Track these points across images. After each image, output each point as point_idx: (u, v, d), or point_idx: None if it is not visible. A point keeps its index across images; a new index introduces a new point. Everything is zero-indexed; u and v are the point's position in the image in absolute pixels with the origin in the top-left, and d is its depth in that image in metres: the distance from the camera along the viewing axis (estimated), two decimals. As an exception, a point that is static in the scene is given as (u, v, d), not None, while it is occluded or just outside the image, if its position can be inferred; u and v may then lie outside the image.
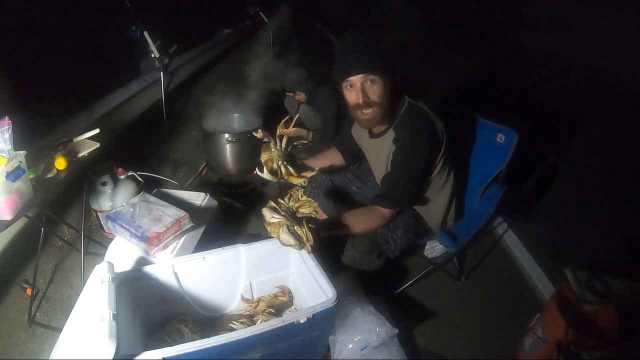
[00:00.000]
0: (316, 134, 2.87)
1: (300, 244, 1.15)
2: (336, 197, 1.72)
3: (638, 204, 2.54)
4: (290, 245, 1.15)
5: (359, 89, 1.29)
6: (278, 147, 1.34)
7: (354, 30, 1.35)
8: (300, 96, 2.80)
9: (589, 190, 2.75)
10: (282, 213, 1.19)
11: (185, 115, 3.42)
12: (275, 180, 1.32)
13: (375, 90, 1.29)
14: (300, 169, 1.39)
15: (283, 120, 1.39)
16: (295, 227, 1.15)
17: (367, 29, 1.34)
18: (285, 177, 1.34)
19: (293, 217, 1.19)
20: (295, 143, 1.47)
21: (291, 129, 1.39)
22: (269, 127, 2.07)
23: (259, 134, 1.35)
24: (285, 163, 1.34)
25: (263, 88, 2.33)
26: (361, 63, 1.27)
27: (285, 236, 1.14)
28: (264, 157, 1.37)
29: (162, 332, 1.29)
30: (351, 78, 1.29)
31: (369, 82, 1.28)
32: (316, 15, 6.60)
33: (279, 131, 1.38)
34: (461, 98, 3.91)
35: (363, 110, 1.32)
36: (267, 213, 1.20)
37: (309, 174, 1.33)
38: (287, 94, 2.97)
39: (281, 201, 1.26)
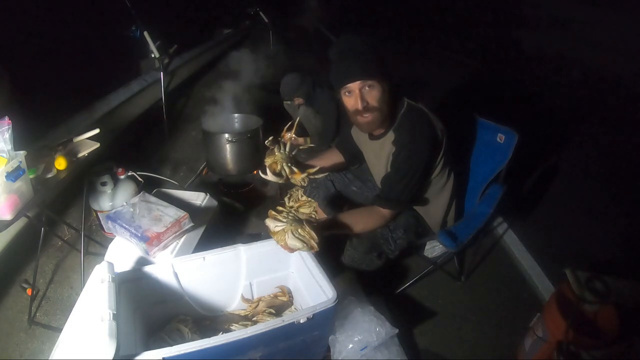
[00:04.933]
0: (314, 139, 2.86)
1: (307, 245, 1.17)
2: (336, 197, 1.72)
3: (638, 203, 2.55)
4: (298, 249, 1.17)
5: (358, 95, 1.28)
6: (282, 152, 1.36)
7: (348, 35, 1.33)
8: (299, 100, 2.79)
9: (589, 190, 2.75)
10: (284, 219, 1.21)
11: (185, 115, 3.42)
12: (279, 182, 1.34)
13: (374, 95, 1.28)
14: (303, 168, 1.40)
15: (286, 127, 1.41)
16: (299, 230, 1.17)
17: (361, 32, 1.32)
18: (290, 177, 1.35)
19: (295, 221, 1.20)
20: (300, 147, 1.49)
21: (292, 135, 1.40)
22: (269, 127, 2.08)
23: (268, 142, 1.37)
24: (289, 164, 1.36)
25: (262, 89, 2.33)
26: (358, 69, 1.25)
27: (292, 241, 1.16)
28: (268, 161, 1.38)
29: (162, 332, 1.29)
30: (349, 85, 1.27)
31: (367, 88, 1.27)
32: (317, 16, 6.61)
33: (281, 138, 1.40)
34: (461, 98, 3.91)
35: (363, 115, 1.32)
36: (270, 224, 1.22)
37: (311, 170, 1.35)
38: (285, 102, 2.96)
39: (280, 208, 1.27)
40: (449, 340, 1.62)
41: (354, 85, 1.27)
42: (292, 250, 1.21)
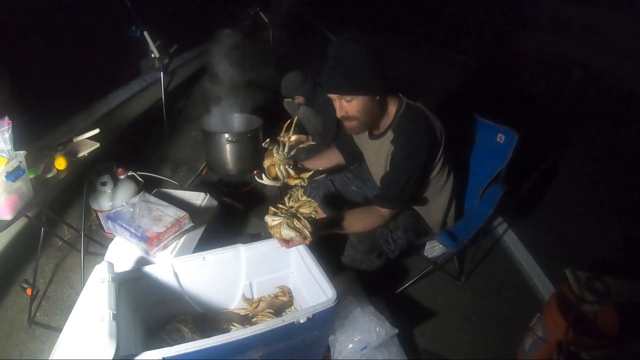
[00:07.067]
0: (315, 138, 2.86)
1: (301, 234, 1.18)
2: (336, 197, 1.72)
3: (638, 204, 2.55)
4: (292, 238, 1.19)
5: (339, 105, 1.33)
6: (280, 152, 1.36)
7: (341, 40, 1.33)
8: (299, 99, 2.79)
9: (589, 190, 2.75)
10: (282, 215, 1.22)
11: (185, 115, 3.42)
12: (277, 185, 1.35)
13: (352, 106, 1.31)
14: (300, 171, 1.41)
15: (284, 126, 1.41)
16: (295, 222, 1.19)
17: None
18: (286, 180, 1.36)
19: (293, 216, 1.21)
20: (300, 146, 1.49)
21: (292, 136, 1.40)
22: (269, 127, 2.08)
23: (266, 144, 1.38)
24: (287, 166, 1.37)
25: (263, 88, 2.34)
26: (334, 83, 1.29)
27: (286, 231, 1.18)
28: (266, 163, 1.39)
29: (162, 332, 1.29)
30: (329, 95, 1.32)
31: (345, 101, 1.31)
32: (317, 15, 6.61)
33: (281, 138, 1.41)
34: (461, 98, 3.91)
35: (345, 122, 1.38)
36: (268, 219, 1.23)
37: (306, 175, 1.36)
38: (286, 100, 2.95)
39: (280, 205, 1.28)
40: (449, 340, 1.62)
41: (334, 96, 1.32)
42: (287, 243, 1.22)
